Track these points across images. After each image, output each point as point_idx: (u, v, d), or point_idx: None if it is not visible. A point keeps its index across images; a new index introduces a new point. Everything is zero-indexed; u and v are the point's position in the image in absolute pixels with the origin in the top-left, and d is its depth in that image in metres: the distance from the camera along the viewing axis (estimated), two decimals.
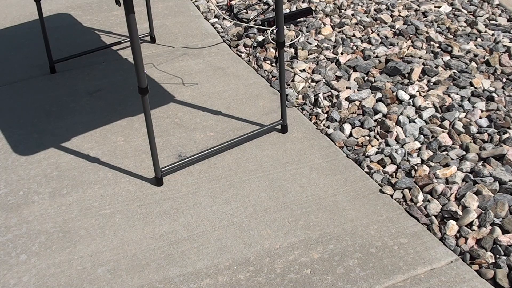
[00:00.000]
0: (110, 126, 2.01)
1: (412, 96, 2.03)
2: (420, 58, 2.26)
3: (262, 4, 2.87)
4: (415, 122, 1.91)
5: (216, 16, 2.83)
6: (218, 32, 2.66)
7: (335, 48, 2.39)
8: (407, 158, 1.78)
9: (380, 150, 1.83)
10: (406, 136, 1.87)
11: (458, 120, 1.89)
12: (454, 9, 2.69)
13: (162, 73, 2.33)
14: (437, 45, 2.35)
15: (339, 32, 2.53)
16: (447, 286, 1.37)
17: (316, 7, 2.78)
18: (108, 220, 1.61)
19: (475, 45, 2.34)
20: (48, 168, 1.82)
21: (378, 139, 1.88)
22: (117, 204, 1.67)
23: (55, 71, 2.36)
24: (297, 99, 2.12)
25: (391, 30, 2.51)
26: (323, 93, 2.12)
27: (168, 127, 2.00)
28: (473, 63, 2.21)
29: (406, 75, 2.15)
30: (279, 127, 1.95)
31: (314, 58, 2.36)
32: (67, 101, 2.17)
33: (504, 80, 2.10)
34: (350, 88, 2.13)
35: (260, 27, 2.57)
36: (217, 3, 2.96)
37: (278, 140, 1.91)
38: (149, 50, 2.52)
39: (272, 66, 2.34)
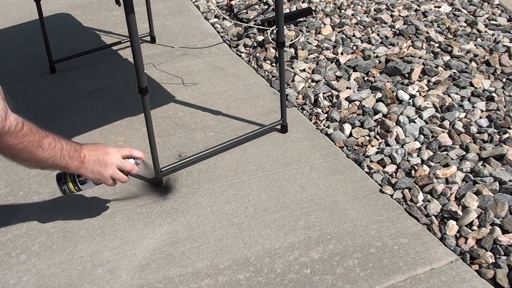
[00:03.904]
0: (110, 126, 2.01)
1: (412, 96, 2.03)
2: (420, 58, 2.26)
3: (262, 4, 2.87)
4: (415, 122, 1.91)
5: (216, 16, 2.83)
6: (218, 32, 2.66)
7: (335, 48, 2.39)
8: (407, 158, 1.78)
9: (380, 150, 1.83)
10: (406, 136, 1.87)
11: (458, 120, 1.89)
12: (454, 9, 2.69)
13: (162, 73, 2.33)
14: (437, 45, 2.35)
15: (339, 32, 2.53)
16: (447, 286, 1.37)
17: (316, 7, 2.78)
18: (108, 220, 1.61)
19: (475, 45, 2.34)
20: None
21: (378, 139, 1.88)
22: (117, 204, 1.67)
23: (55, 71, 2.36)
24: (297, 99, 2.12)
25: (391, 30, 2.51)
26: (323, 93, 2.12)
27: (168, 127, 2.00)
28: (473, 63, 2.21)
29: (406, 75, 2.15)
30: (279, 127, 1.95)
31: (314, 58, 2.36)
32: (67, 101, 2.17)
33: (504, 80, 2.10)
34: (350, 88, 2.13)
35: (260, 27, 2.57)
36: (217, 3, 2.96)
37: (278, 140, 1.91)
38: (149, 50, 2.52)
39: (272, 66, 2.34)
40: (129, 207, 1.65)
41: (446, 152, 1.77)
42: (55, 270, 1.46)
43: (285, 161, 1.81)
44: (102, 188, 1.72)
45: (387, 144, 1.84)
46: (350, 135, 1.92)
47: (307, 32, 2.54)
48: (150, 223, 1.60)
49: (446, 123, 1.89)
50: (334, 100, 2.09)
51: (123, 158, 1.45)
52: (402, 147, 1.82)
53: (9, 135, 1.19)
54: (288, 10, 2.76)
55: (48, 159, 1.29)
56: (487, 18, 2.59)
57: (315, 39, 2.48)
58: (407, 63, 2.21)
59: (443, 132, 1.85)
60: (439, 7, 2.70)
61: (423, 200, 1.63)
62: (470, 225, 1.53)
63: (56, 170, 1.40)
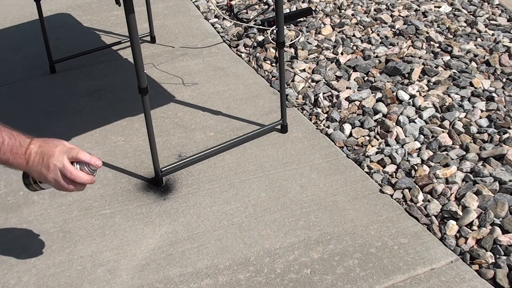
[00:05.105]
0: (110, 126, 2.01)
1: (412, 96, 2.03)
2: (420, 58, 2.26)
3: (262, 4, 2.87)
4: (415, 122, 1.91)
5: (216, 16, 2.83)
6: (218, 32, 2.66)
7: (335, 48, 2.39)
8: (407, 158, 1.78)
9: (380, 150, 1.83)
10: (406, 136, 1.87)
11: (458, 120, 1.89)
12: (454, 9, 2.69)
13: (162, 73, 2.33)
14: (437, 45, 2.35)
15: (339, 32, 2.53)
16: (447, 286, 1.37)
17: (316, 7, 2.77)
18: (108, 220, 1.61)
19: (475, 45, 2.34)
20: None
21: (378, 139, 1.88)
22: (117, 204, 1.67)
23: (55, 71, 2.36)
24: (297, 99, 2.12)
25: (391, 30, 2.51)
26: (323, 93, 2.12)
27: (168, 127, 2.00)
28: (473, 63, 2.21)
29: (406, 75, 2.15)
30: (279, 127, 1.95)
31: (314, 58, 2.36)
32: (67, 101, 2.17)
33: (504, 80, 2.10)
34: (350, 88, 2.13)
35: (260, 27, 2.57)
36: (217, 3, 2.96)
37: (278, 140, 1.91)
38: (149, 50, 2.51)
39: (272, 66, 2.34)
40: (129, 207, 1.65)
41: (446, 152, 1.77)
42: (55, 270, 1.46)
43: (285, 161, 1.81)
44: (102, 188, 1.72)
45: (387, 144, 1.84)
46: (350, 135, 1.92)
47: (307, 32, 2.54)
48: (150, 223, 1.60)
49: (446, 123, 1.89)
50: (334, 100, 2.09)
51: (72, 162, 1.20)
52: (402, 147, 1.82)
53: None
54: (288, 10, 2.76)
55: None
56: (487, 18, 2.59)
57: (315, 39, 2.48)
58: (407, 63, 2.20)
59: (443, 132, 1.85)
60: (439, 7, 2.70)
61: (423, 200, 1.63)
62: (470, 225, 1.53)
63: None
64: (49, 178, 1.19)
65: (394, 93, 2.05)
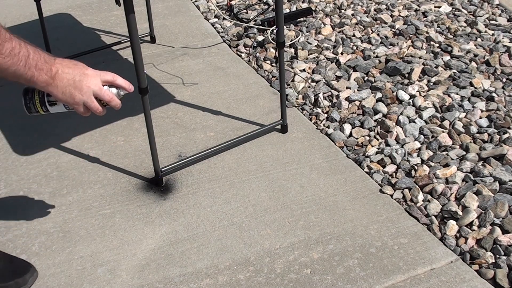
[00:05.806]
0: (110, 126, 2.01)
1: (412, 96, 2.03)
2: (420, 58, 2.26)
3: (262, 4, 2.87)
4: (415, 122, 1.91)
5: (216, 16, 2.83)
6: (218, 32, 2.66)
7: (335, 48, 2.39)
8: (407, 158, 1.78)
9: (380, 150, 1.83)
10: (406, 136, 1.87)
11: (458, 120, 1.89)
12: (454, 9, 2.69)
13: (162, 73, 2.33)
14: (437, 45, 2.35)
15: (339, 32, 2.53)
16: (447, 286, 1.37)
17: (316, 7, 2.77)
18: (108, 220, 1.61)
19: (475, 45, 2.34)
20: (48, 168, 1.82)
21: (378, 139, 1.88)
22: (117, 204, 1.67)
23: None
24: (297, 99, 2.12)
25: (391, 30, 2.51)
26: (323, 93, 2.12)
27: (168, 127, 2.00)
28: (473, 63, 2.21)
29: (406, 75, 2.15)
30: (279, 127, 1.95)
31: (314, 58, 2.36)
32: None
33: (504, 80, 2.10)
34: (350, 88, 2.13)
35: (260, 27, 2.57)
36: (217, 3, 2.96)
37: (278, 140, 1.91)
38: (149, 50, 2.51)
39: (272, 66, 2.34)
40: (129, 207, 1.65)
41: (446, 152, 1.77)
42: (55, 270, 1.46)
43: (285, 161, 1.81)
44: (102, 188, 1.72)
45: (387, 144, 1.84)
46: (350, 135, 1.92)
47: (307, 32, 2.54)
48: (150, 223, 1.60)
49: (446, 123, 1.89)
50: (334, 100, 2.09)
51: (104, 85, 1.19)
52: (402, 147, 1.82)
53: None
54: (288, 10, 2.76)
55: (8, 67, 1.06)
56: (487, 18, 2.59)
57: (315, 39, 2.48)
58: (407, 63, 2.20)
59: (443, 132, 1.85)
60: (439, 7, 2.70)
61: (423, 200, 1.63)
62: (470, 225, 1.53)
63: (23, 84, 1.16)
64: (77, 99, 1.14)
65: (394, 93, 2.05)
